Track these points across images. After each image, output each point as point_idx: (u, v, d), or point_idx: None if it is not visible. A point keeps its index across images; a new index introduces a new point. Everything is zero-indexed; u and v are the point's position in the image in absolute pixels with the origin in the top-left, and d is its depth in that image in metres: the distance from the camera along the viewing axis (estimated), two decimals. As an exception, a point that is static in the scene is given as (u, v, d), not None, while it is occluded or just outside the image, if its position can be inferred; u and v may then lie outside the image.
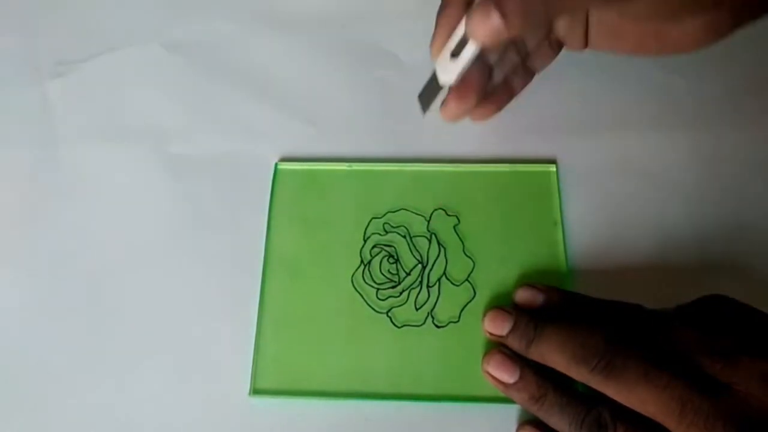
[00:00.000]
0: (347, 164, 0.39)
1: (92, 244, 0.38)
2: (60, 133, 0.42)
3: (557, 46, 0.37)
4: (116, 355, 0.35)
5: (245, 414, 0.33)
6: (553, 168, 0.38)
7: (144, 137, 0.41)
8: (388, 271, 0.36)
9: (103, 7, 0.46)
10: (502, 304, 0.34)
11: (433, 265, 0.36)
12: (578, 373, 0.29)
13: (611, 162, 0.38)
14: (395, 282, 0.35)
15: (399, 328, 0.34)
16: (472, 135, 0.40)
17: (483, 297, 0.35)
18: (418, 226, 0.37)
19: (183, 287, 0.36)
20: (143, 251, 0.38)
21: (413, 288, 0.35)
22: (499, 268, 0.35)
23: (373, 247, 0.36)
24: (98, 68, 0.44)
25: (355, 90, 0.42)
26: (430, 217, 0.37)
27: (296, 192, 0.38)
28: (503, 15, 0.25)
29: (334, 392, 0.33)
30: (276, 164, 0.39)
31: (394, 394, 0.33)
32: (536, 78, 0.39)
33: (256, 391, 0.33)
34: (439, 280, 0.35)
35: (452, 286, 0.35)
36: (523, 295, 0.34)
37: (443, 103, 0.35)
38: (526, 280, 0.35)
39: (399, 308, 0.35)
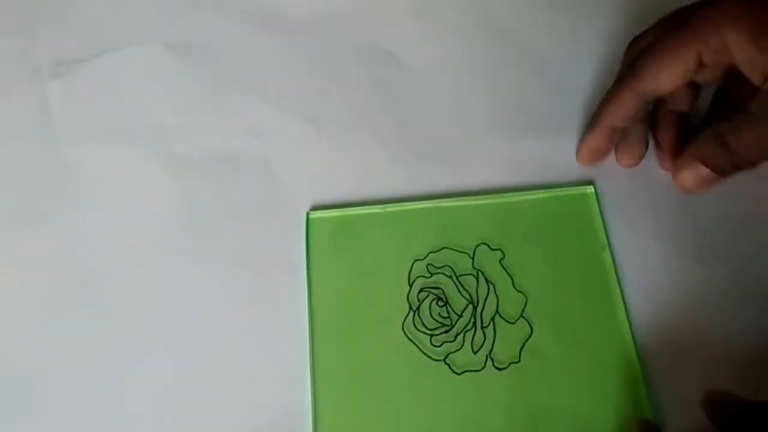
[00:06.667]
0: (381, 207, 0.37)
1: (92, 246, 0.37)
2: (60, 133, 0.41)
3: None
4: (119, 356, 0.34)
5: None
6: (590, 189, 0.37)
7: (144, 137, 0.41)
8: (439, 314, 0.34)
9: (104, 7, 0.46)
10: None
11: (484, 304, 0.34)
12: None
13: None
14: (448, 326, 0.34)
15: (459, 374, 0.33)
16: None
17: (541, 332, 0.34)
18: (463, 263, 0.35)
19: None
20: (143, 250, 0.37)
21: (467, 330, 0.34)
22: (553, 300, 0.34)
23: (420, 291, 0.35)
24: (98, 68, 0.43)
25: (354, 89, 0.42)
26: (474, 253, 0.36)
27: (332, 242, 0.36)
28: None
29: None
30: (307, 213, 0.37)
31: None
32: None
33: None
34: (492, 319, 0.34)
35: (507, 323, 0.34)
36: None
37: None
38: (581, 309, 0.34)
39: (456, 353, 0.34)
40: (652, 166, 0.38)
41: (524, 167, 0.38)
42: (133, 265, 0.37)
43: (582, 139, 0.37)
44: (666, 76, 0.32)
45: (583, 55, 0.42)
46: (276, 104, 0.41)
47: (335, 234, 0.37)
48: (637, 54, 0.34)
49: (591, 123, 0.36)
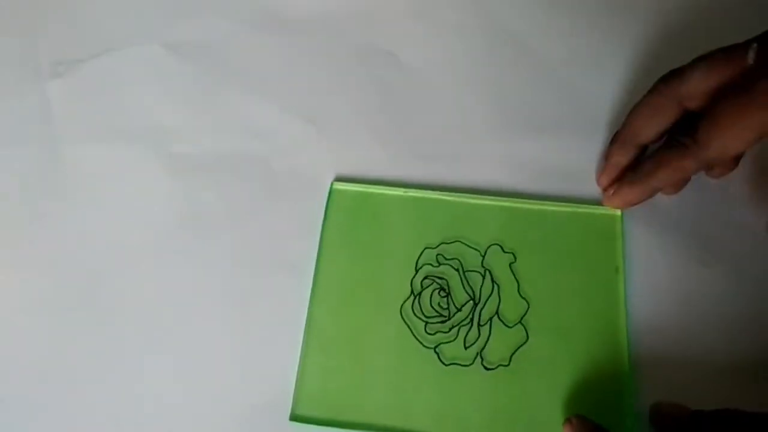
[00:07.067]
0: (403, 189, 0.37)
1: (92, 246, 0.37)
2: (60, 133, 0.41)
3: None
4: (128, 357, 0.34)
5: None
6: (618, 212, 0.36)
7: (144, 137, 0.41)
8: (438, 304, 0.35)
9: (103, 7, 0.46)
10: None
11: (485, 303, 0.34)
12: None
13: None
14: (445, 317, 0.34)
15: (446, 365, 0.33)
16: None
17: (536, 342, 0.33)
18: (473, 260, 0.35)
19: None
20: (143, 250, 0.37)
21: (463, 325, 0.34)
22: (555, 314, 0.34)
23: (425, 278, 0.35)
24: (98, 68, 0.44)
25: (354, 89, 0.42)
26: (485, 252, 0.36)
27: (350, 214, 0.37)
28: None
29: (375, 425, 0.32)
30: (331, 184, 0.38)
31: None
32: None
33: (295, 417, 0.32)
34: (490, 319, 0.34)
35: (504, 327, 0.34)
36: None
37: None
38: (582, 327, 0.33)
39: (447, 345, 0.34)
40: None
41: (524, 167, 0.38)
42: (133, 265, 0.37)
43: (619, 192, 0.36)
44: (736, 144, 0.32)
45: (582, 55, 0.42)
46: (276, 104, 0.42)
47: (354, 208, 0.37)
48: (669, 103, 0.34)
49: (635, 180, 0.35)
